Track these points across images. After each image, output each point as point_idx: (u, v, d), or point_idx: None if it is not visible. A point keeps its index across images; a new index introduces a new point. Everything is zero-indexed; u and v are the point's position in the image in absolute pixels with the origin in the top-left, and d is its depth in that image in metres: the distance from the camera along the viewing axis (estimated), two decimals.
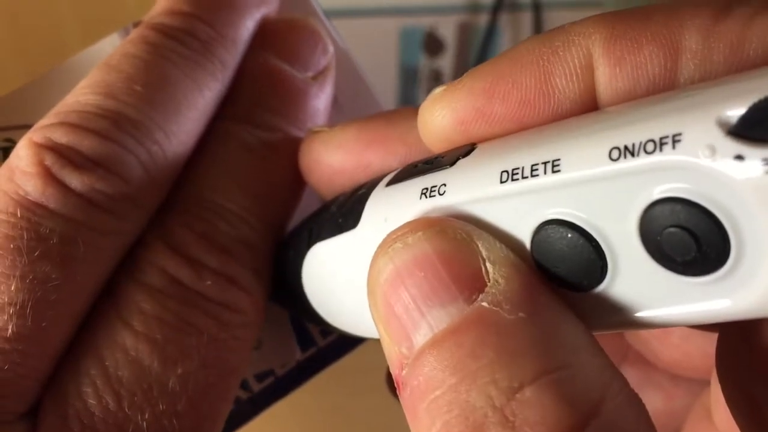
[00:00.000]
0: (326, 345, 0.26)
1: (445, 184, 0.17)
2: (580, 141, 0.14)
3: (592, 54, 0.16)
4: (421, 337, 0.15)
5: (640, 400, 0.15)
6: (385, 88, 0.74)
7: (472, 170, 0.16)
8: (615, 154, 0.14)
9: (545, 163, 0.15)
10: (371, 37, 0.72)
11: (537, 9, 0.76)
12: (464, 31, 0.76)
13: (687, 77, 0.15)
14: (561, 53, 0.17)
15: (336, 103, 0.25)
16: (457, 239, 0.15)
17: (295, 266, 0.22)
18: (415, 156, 0.21)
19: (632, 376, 0.25)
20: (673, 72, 0.16)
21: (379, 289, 0.16)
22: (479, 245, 0.15)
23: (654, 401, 0.25)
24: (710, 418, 0.23)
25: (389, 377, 0.27)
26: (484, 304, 0.14)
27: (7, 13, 0.30)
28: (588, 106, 0.17)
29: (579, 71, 0.16)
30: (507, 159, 0.16)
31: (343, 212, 0.20)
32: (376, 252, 0.16)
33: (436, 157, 0.18)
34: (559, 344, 0.14)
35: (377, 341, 0.18)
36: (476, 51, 0.77)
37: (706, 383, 0.24)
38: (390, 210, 0.18)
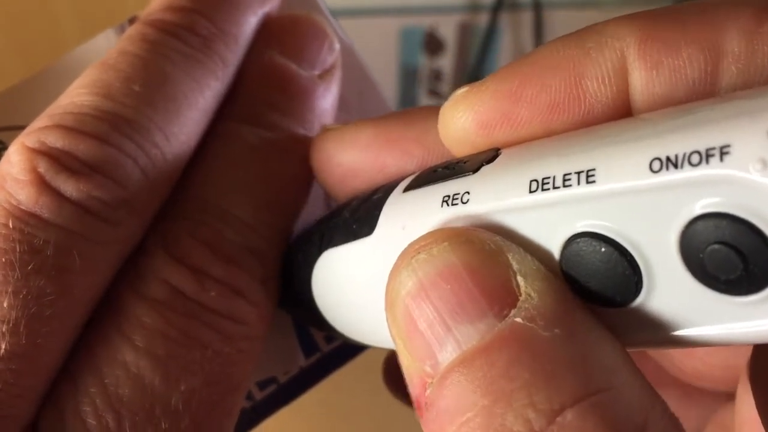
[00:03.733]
0: (330, 351, 0.25)
1: (468, 192, 0.16)
2: (618, 150, 0.14)
3: (627, 57, 0.15)
4: (448, 354, 0.14)
5: (680, 424, 0.14)
6: (385, 88, 0.73)
7: (498, 178, 0.16)
8: (656, 165, 0.13)
9: (579, 173, 0.14)
10: (371, 37, 0.71)
11: (537, 9, 0.76)
12: (464, 31, 0.76)
13: (729, 82, 0.15)
14: (593, 55, 0.16)
15: (342, 102, 0.24)
16: (485, 250, 0.15)
17: (304, 272, 0.21)
18: (433, 159, 0.20)
19: None
20: (714, 76, 0.15)
21: (401, 303, 0.15)
22: (509, 257, 0.14)
23: None
24: None
25: (387, 376, 0.26)
26: (518, 319, 0.14)
27: (4, 11, 0.29)
28: (620, 111, 0.16)
29: (612, 74, 0.16)
30: (536, 167, 0.15)
31: (357, 217, 0.19)
32: (396, 263, 0.15)
33: (458, 162, 0.17)
34: (599, 364, 0.13)
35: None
36: (476, 51, 0.76)
37: (721, 402, 0.23)
38: (408, 217, 0.17)
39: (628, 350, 0.15)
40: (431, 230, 0.16)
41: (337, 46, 0.24)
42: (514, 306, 0.14)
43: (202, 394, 0.20)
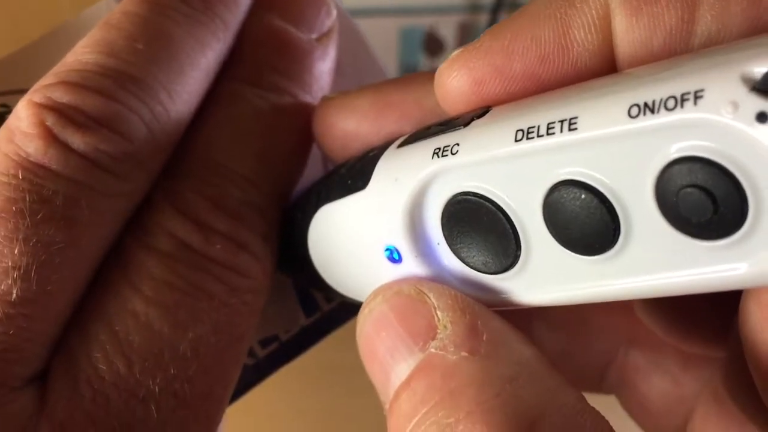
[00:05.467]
0: (330, 310, 0.26)
1: (458, 144, 0.16)
2: (599, 99, 0.14)
3: (609, 4, 0.16)
4: (393, 390, 0.17)
5: (588, 415, 0.15)
6: None
7: (487, 129, 0.16)
8: (634, 111, 0.13)
9: (562, 122, 0.14)
10: (371, 37, 0.72)
11: None
12: (464, 31, 0.76)
13: (704, 29, 0.15)
14: (578, 5, 0.17)
15: (338, 66, 0.25)
16: (410, 295, 0.17)
17: (301, 229, 0.22)
18: (430, 121, 0.20)
19: (639, 361, 0.25)
20: (690, 23, 0.15)
21: (361, 356, 0.18)
22: (431, 296, 0.17)
23: (662, 386, 0.24)
24: (719, 400, 0.23)
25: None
26: (432, 349, 0.16)
27: None
28: (606, 58, 0.17)
29: (597, 22, 0.16)
30: (522, 118, 0.15)
31: (352, 174, 0.20)
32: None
33: (450, 120, 0.18)
34: (496, 375, 0.15)
35: None
36: None
37: (714, 368, 0.24)
38: (401, 170, 0.18)
39: (611, 300, 0.16)
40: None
41: (334, 10, 0.25)
42: (434, 338, 0.16)
43: (210, 341, 0.20)
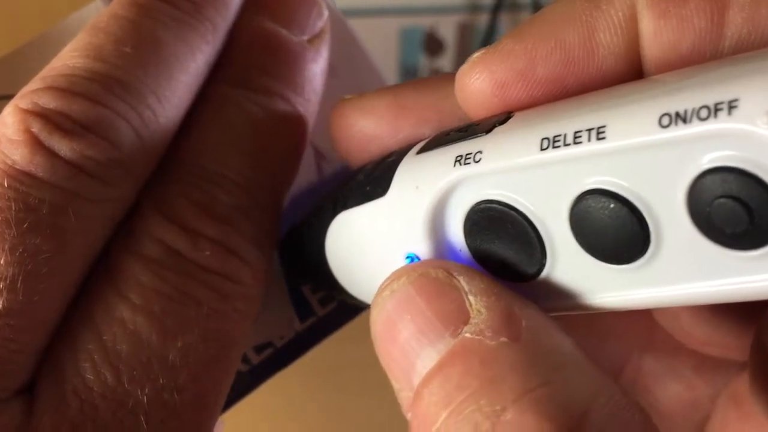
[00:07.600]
0: (325, 314, 0.26)
1: (481, 151, 0.16)
2: (628, 107, 0.14)
3: (636, 6, 0.16)
4: (418, 377, 0.16)
5: (635, 410, 0.15)
6: None
7: (510, 137, 0.16)
8: (665, 120, 0.13)
9: (589, 130, 0.14)
10: (371, 37, 0.71)
11: (537, 9, 0.76)
12: (464, 31, 0.76)
13: (734, 32, 0.15)
14: (604, 7, 0.16)
15: (332, 68, 0.25)
16: (438, 278, 0.16)
17: (318, 236, 0.21)
18: (448, 124, 0.20)
19: (653, 365, 0.24)
20: (720, 26, 0.15)
21: (376, 339, 0.17)
22: (460, 280, 0.16)
23: (676, 391, 0.24)
24: (739, 405, 0.22)
25: None
26: (468, 334, 0.15)
27: None
28: (633, 62, 0.16)
29: (623, 24, 0.16)
30: (548, 125, 0.15)
31: (371, 180, 0.19)
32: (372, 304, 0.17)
33: (471, 125, 0.17)
34: (541, 363, 0.15)
35: None
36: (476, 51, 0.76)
37: (734, 372, 0.23)
38: (422, 177, 0.17)
39: (639, 309, 0.15)
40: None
41: (326, 12, 0.24)
42: (468, 323, 0.15)
43: (199, 349, 0.20)
